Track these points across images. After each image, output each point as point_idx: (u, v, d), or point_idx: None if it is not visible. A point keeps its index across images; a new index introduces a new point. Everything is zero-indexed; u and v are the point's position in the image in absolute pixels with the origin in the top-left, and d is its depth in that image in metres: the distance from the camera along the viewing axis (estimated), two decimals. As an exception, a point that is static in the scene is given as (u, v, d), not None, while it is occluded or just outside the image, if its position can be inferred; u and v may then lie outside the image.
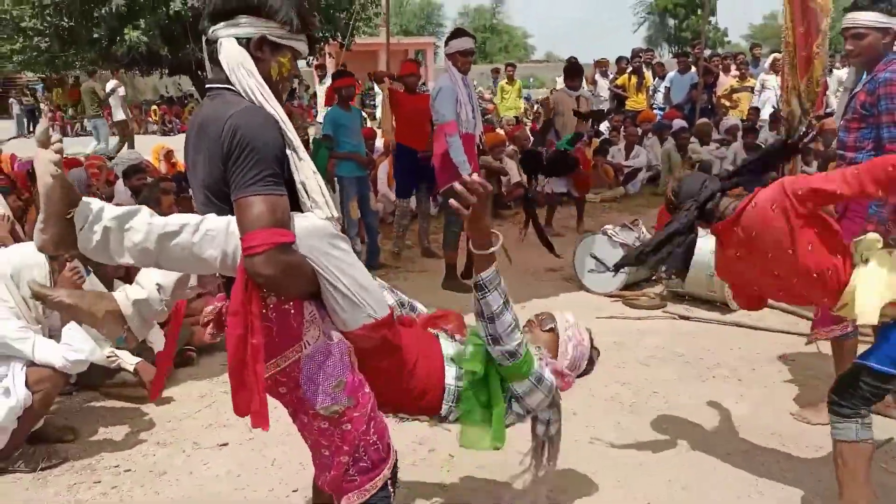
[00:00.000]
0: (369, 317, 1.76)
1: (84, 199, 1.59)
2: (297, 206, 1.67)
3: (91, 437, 3.23)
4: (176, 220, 1.63)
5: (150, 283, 1.92)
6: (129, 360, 3.43)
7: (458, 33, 5.07)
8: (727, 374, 3.76)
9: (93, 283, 3.50)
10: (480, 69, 31.94)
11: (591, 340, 2.38)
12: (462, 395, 2.04)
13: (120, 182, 6.16)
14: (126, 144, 12.85)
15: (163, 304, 1.93)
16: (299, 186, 1.66)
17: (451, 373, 2.04)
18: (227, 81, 1.69)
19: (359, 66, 16.53)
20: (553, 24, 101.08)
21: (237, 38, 1.69)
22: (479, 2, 55.48)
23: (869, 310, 2.16)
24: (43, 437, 3.10)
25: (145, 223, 1.60)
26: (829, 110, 10.06)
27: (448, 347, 2.09)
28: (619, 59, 12.14)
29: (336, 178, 5.91)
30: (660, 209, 6.09)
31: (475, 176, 1.82)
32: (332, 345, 1.74)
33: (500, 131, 10.13)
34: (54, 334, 3.03)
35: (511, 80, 12.64)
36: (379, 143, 9.42)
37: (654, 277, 5.35)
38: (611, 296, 5.06)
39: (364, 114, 14.19)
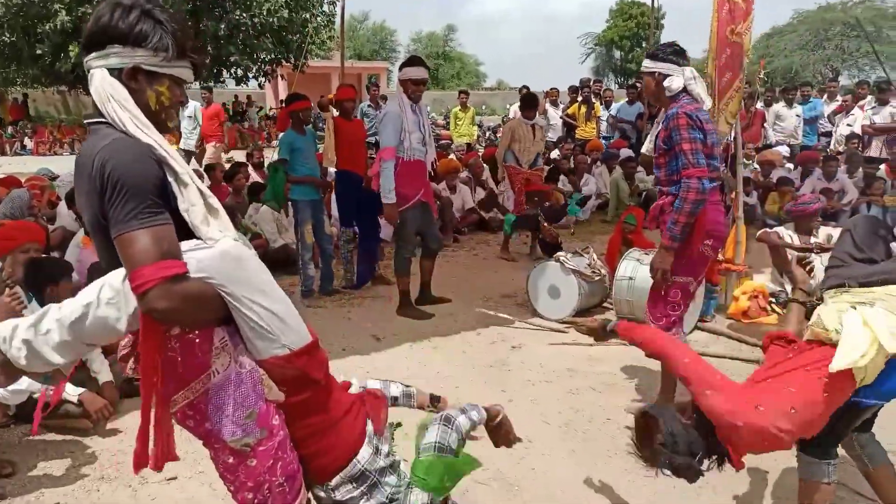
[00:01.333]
0: (283, 347, 1.68)
1: None
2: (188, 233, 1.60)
3: (31, 472, 3.08)
4: (80, 300, 1.59)
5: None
6: (72, 392, 3.30)
7: (412, 61, 5.13)
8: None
9: (33, 310, 3.38)
10: (433, 95, 32.23)
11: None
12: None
13: (63, 205, 5.97)
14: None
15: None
16: (184, 214, 1.58)
17: (365, 452, 1.91)
18: (101, 115, 1.62)
19: (312, 90, 16.47)
20: (503, 52, 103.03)
21: (108, 69, 1.61)
22: (432, 28, 56.25)
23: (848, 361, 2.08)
24: (-22, 473, 2.95)
25: (54, 320, 1.59)
26: (767, 142, 10.54)
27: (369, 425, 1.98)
28: (571, 89, 12.46)
29: (290, 202, 5.86)
30: (610, 238, 6.26)
31: None
32: (244, 373, 1.67)
33: (453, 157, 10.22)
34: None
35: (465, 106, 12.79)
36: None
37: (604, 304, 5.46)
38: (563, 322, 5.13)
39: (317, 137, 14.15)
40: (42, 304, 3.42)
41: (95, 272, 1.89)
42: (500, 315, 5.33)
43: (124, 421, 3.54)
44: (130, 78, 1.63)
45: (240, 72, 17.56)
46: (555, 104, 11.93)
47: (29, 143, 18.97)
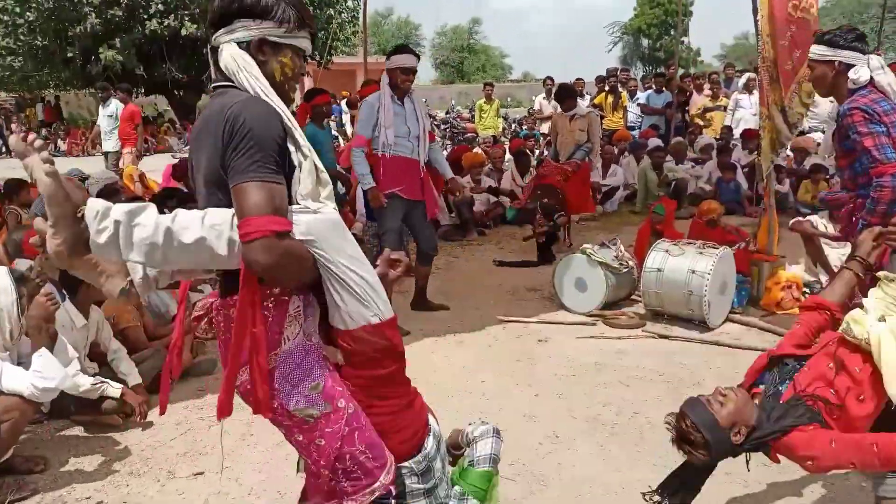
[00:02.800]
0: (375, 316, 1.74)
1: (90, 197, 1.59)
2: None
3: (62, 468, 3.13)
4: (183, 216, 1.60)
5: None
6: (115, 387, 3.36)
7: (400, 49, 4.76)
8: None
9: (67, 309, 3.43)
10: (458, 88, 32.18)
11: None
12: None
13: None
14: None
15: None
16: (295, 184, 1.65)
17: (432, 443, 1.97)
18: (230, 81, 1.69)
19: (337, 86, 16.56)
20: (529, 44, 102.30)
21: (237, 43, 1.69)
22: (457, 21, 56.06)
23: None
24: (12, 469, 3.00)
25: (153, 218, 1.58)
26: (801, 129, 10.28)
27: (433, 422, 2.03)
28: (598, 79, 12.30)
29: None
30: (639, 229, 6.16)
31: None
32: (311, 345, 1.72)
33: (479, 150, 10.18)
34: (23, 361, 2.94)
35: (489, 99, 12.71)
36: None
37: (633, 296, 5.38)
38: (591, 315, 5.06)
39: (337, 134, 14.21)
40: (76, 305, 3.47)
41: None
42: (526, 309, 5.28)
43: (153, 417, 3.58)
44: (258, 50, 1.70)
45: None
46: (581, 95, 11.78)
47: (62, 144, 19.36)
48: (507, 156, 10.26)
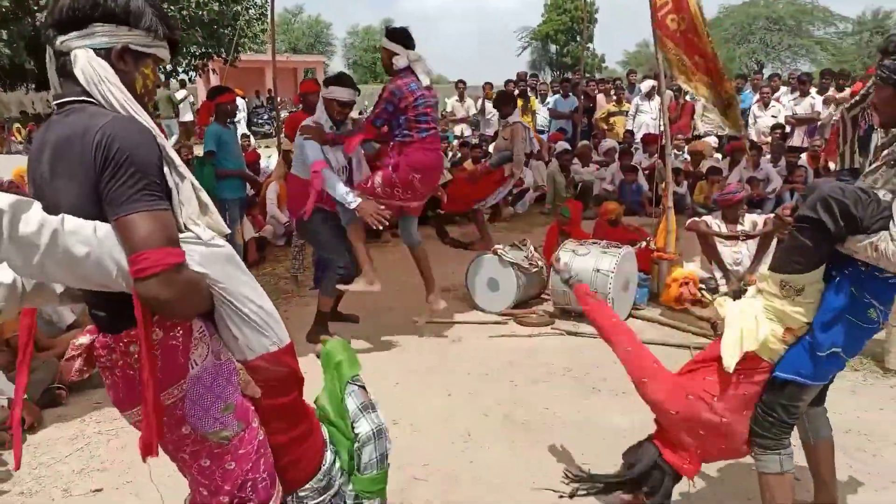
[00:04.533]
0: (274, 344, 1.68)
1: None
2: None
3: (-59, 492, 2.91)
4: (72, 221, 1.45)
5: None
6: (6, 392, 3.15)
7: (341, 80, 4.55)
8: (613, 388, 3.92)
9: None
10: (371, 89, 31.92)
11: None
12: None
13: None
14: None
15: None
16: (177, 208, 1.53)
17: (328, 457, 1.96)
18: (86, 95, 1.53)
19: (245, 83, 16.10)
20: (440, 47, 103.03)
21: (94, 49, 1.53)
22: (369, 21, 55.69)
23: (731, 353, 2.28)
24: None
25: (38, 215, 1.42)
26: (696, 133, 10.87)
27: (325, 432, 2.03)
28: (507, 83, 12.53)
29: (220, 201, 5.70)
30: (548, 228, 6.33)
31: None
32: (221, 364, 1.65)
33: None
34: None
35: (401, 100, 12.72)
36: (264, 163, 9.21)
37: (542, 295, 5.52)
38: (502, 315, 5.16)
39: (249, 133, 13.85)
40: None
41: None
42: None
43: (46, 433, 3.37)
44: (119, 59, 1.56)
45: (168, 67, 17.00)
46: (490, 98, 11.99)
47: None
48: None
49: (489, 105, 11.61)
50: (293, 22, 47.32)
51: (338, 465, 2.00)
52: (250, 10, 17.15)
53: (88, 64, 1.51)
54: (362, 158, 4.78)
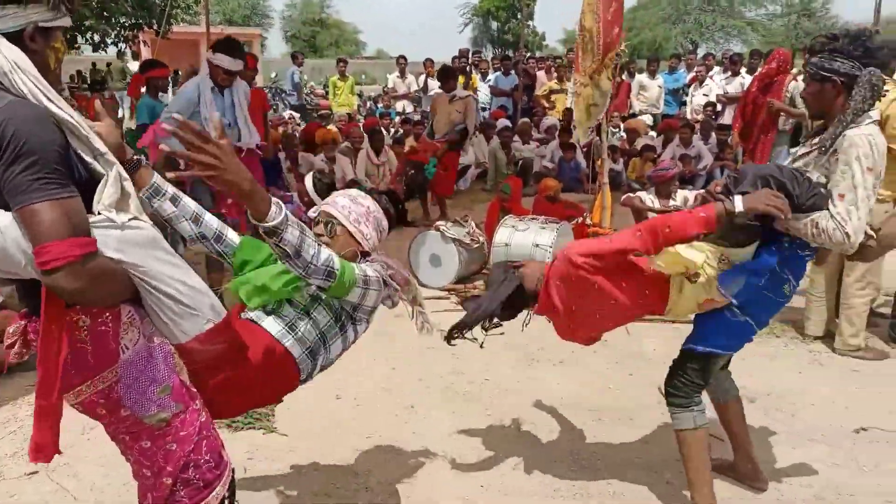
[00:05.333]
0: (208, 322, 1.64)
1: None
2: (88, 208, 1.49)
3: None
4: None
5: None
6: None
7: (229, 47, 4.50)
8: (549, 357, 4.05)
9: None
10: (311, 63, 31.31)
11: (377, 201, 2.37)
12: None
13: None
14: None
15: None
16: (98, 194, 1.48)
17: (288, 342, 2.01)
18: None
19: (178, 56, 15.58)
20: (382, 21, 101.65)
21: (4, 34, 1.45)
22: (307, -6, 54.37)
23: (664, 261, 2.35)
24: None
25: None
26: (632, 111, 11.14)
27: (272, 325, 2.02)
28: (453, 59, 12.52)
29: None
30: (489, 205, 6.42)
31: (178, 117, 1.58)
32: (154, 347, 1.63)
33: (333, 128, 10.04)
34: None
35: (343, 76, 12.53)
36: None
37: (482, 272, 5.62)
38: (444, 290, 5.23)
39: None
40: None
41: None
42: (382, 285, 5.35)
43: (-25, 417, 3.27)
44: (30, 39, 1.48)
45: (96, 37, 16.21)
46: (432, 76, 11.96)
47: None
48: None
49: (432, 82, 11.59)
50: (228, -8, 45.75)
51: (303, 329, 2.04)
52: (183, -21, 16.52)
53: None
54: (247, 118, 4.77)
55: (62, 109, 1.46)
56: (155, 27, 13.65)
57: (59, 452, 1.59)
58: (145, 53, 20.22)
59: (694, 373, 2.48)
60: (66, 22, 1.56)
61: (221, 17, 37.47)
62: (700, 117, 10.00)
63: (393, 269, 2.22)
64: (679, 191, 5.91)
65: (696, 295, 2.39)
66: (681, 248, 2.38)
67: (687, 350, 2.50)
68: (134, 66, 15.02)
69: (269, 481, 2.81)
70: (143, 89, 5.67)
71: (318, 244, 1.83)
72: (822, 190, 2.29)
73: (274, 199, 1.68)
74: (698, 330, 2.51)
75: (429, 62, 12.21)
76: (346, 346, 2.20)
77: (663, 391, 2.59)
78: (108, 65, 21.74)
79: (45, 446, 1.56)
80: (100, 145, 1.51)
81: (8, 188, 1.37)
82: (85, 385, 1.57)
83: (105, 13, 15.31)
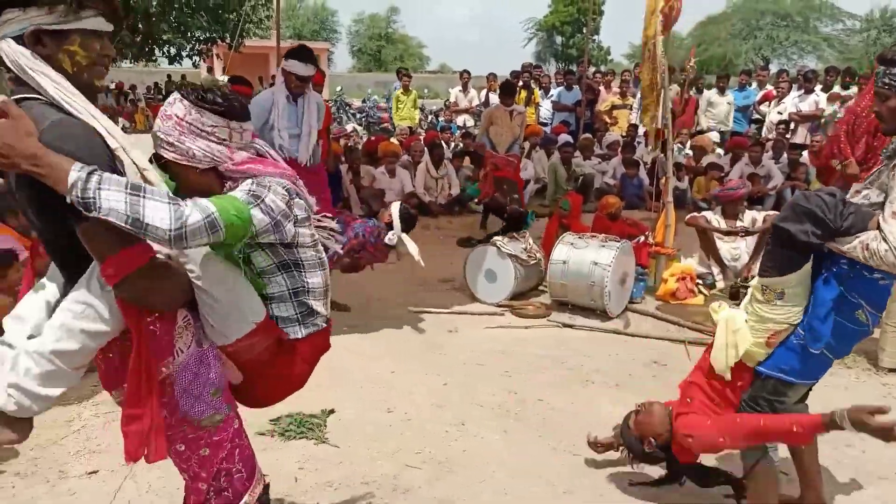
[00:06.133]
0: (251, 322, 1.68)
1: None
2: None
3: (-61, 470, 2.94)
4: (52, 323, 1.55)
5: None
6: None
7: (301, 55, 4.60)
8: (605, 380, 3.95)
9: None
10: (375, 77, 31.89)
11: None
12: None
13: None
14: None
15: None
16: None
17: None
18: (30, 88, 1.50)
19: (249, 69, 16.08)
20: (446, 36, 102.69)
21: (13, 38, 1.49)
22: (374, 9, 55.47)
23: (720, 366, 2.39)
24: None
25: (30, 355, 1.55)
26: (699, 128, 10.85)
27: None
28: (512, 75, 12.49)
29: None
30: (548, 221, 6.34)
31: None
32: (205, 350, 1.68)
33: (395, 141, 10.15)
34: None
35: (406, 90, 12.67)
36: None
37: (540, 287, 5.54)
38: (499, 305, 5.18)
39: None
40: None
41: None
42: (437, 299, 5.34)
43: (42, 416, 3.39)
44: (35, 42, 1.50)
45: (172, 50, 16.94)
46: (494, 90, 11.96)
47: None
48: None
49: (493, 97, 11.60)
50: (298, 8, 47.09)
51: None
52: (256, -4, 17.08)
53: (11, 54, 1.49)
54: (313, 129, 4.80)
55: (89, 113, 1.50)
56: (228, 41, 14.13)
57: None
58: (217, 66, 20.94)
59: (765, 402, 2.35)
60: (89, 24, 1.54)
61: (291, 32, 38.60)
62: (771, 135, 9.67)
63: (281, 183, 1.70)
64: (747, 211, 5.70)
65: (757, 340, 2.33)
66: (721, 333, 2.40)
67: (758, 374, 2.38)
68: (222, 79, 15.49)
69: (317, 493, 2.81)
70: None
71: (166, 195, 1.48)
72: (866, 209, 2.17)
73: (77, 164, 1.39)
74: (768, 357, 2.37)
75: (491, 76, 12.21)
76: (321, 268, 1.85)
77: None
78: (183, 77, 22.67)
79: (131, 450, 1.62)
80: (124, 143, 1.54)
81: (68, 206, 1.40)
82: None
83: (182, 28, 16.00)
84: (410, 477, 2.94)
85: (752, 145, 8.71)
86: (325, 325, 1.88)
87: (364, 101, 18.75)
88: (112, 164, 1.49)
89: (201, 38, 17.00)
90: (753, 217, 5.63)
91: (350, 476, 2.92)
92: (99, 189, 1.36)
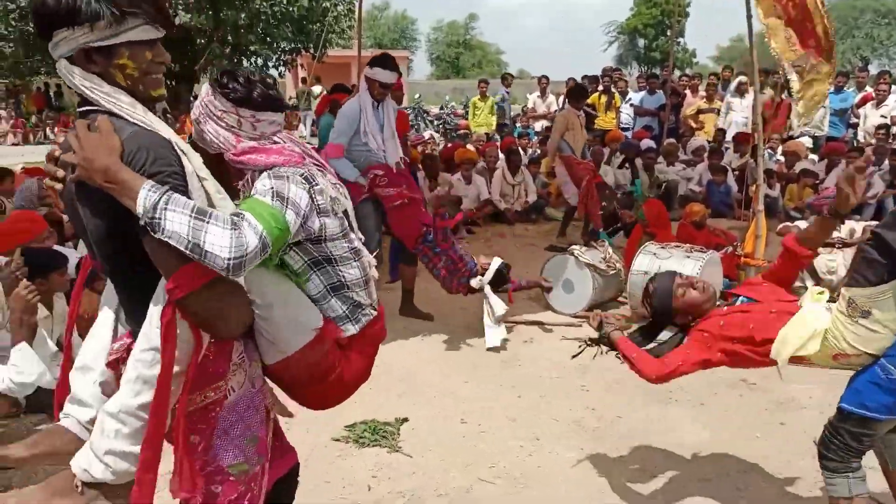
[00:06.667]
0: (310, 332, 1.65)
1: None
2: None
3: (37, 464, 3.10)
4: (126, 377, 1.50)
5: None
6: None
7: (384, 63, 4.67)
8: (689, 398, 3.77)
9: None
10: (453, 84, 32.10)
11: None
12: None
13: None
14: None
15: None
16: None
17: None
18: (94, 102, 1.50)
19: (332, 78, 16.51)
20: (525, 41, 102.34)
21: (67, 59, 1.48)
22: (453, 17, 55.99)
23: (780, 357, 2.28)
24: (-15, 463, 2.97)
25: (113, 416, 1.49)
26: (792, 133, 10.31)
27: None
28: (590, 79, 12.26)
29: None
30: (631, 231, 6.15)
31: None
32: (255, 393, 1.63)
33: (471, 147, 10.15)
34: (2, 355, 2.91)
35: (484, 96, 12.66)
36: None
37: (619, 298, 5.38)
38: (576, 317, 5.06)
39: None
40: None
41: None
42: (512, 309, 5.26)
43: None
44: (87, 62, 1.48)
45: (259, 61, 17.63)
46: (574, 94, 11.78)
47: (51, 134, 19.18)
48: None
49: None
50: (379, 18, 48.04)
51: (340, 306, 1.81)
52: (338, 6, 17.50)
53: (65, 75, 1.49)
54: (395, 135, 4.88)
55: (154, 126, 1.49)
56: (312, 51, 14.55)
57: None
58: (301, 74, 21.58)
59: (849, 436, 2.19)
60: (133, 35, 1.49)
61: (372, 41, 39.41)
62: (872, 140, 9.07)
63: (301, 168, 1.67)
64: (845, 221, 5.35)
65: (824, 350, 2.18)
66: (798, 321, 2.28)
67: (840, 408, 2.23)
68: (317, 89, 15.86)
69: (391, 503, 2.80)
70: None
71: (229, 220, 1.44)
72: None
73: (148, 182, 1.38)
74: (851, 385, 2.23)
75: (571, 81, 12.03)
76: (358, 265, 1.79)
77: (818, 453, 2.31)
78: (269, 86, 23.46)
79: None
80: (189, 152, 1.53)
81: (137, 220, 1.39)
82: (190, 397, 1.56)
83: (268, 39, 16.62)
84: (484, 491, 2.89)
85: (850, 151, 8.19)
86: (374, 312, 1.84)
87: (441, 108, 18.87)
88: (181, 169, 1.47)
89: (286, 48, 17.62)
90: (852, 228, 5.28)
91: (423, 487, 2.89)
92: (165, 209, 1.36)
